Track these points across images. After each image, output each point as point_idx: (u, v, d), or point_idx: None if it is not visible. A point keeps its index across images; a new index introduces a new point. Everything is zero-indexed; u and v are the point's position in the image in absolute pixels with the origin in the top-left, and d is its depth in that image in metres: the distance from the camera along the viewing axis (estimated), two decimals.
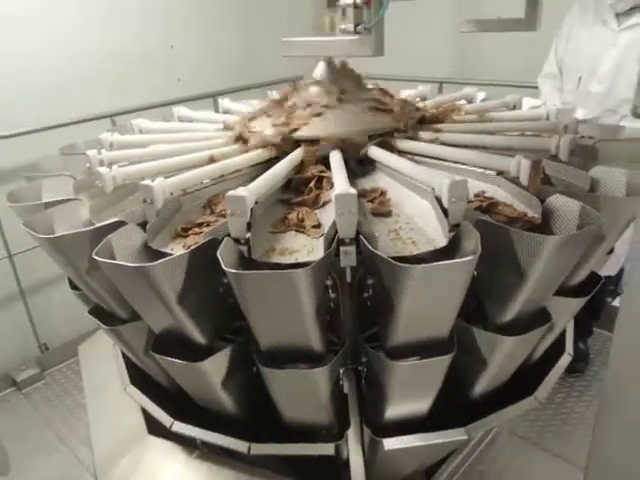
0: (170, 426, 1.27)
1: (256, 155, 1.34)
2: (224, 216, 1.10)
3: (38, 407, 2.58)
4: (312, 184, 1.23)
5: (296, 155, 1.31)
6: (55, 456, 2.26)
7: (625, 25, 2.12)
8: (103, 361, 1.69)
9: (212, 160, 1.33)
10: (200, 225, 1.13)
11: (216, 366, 1.11)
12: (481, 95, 1.91)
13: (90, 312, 1.34)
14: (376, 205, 1.17)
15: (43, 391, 2.69)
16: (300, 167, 1.31)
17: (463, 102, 1.86)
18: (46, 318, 2.79)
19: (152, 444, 1.43)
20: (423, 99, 1.87)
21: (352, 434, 1.23)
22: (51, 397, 2.64)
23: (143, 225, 1.13)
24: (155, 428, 1.42)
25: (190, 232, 1.11)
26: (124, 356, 1.51)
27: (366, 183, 1.29)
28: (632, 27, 2.11)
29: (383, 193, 1.21)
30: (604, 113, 2.19)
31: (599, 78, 2.20)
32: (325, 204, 1.20)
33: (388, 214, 1.15)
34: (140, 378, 1.44)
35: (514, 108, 1.75)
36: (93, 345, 1.92)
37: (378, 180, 1.30)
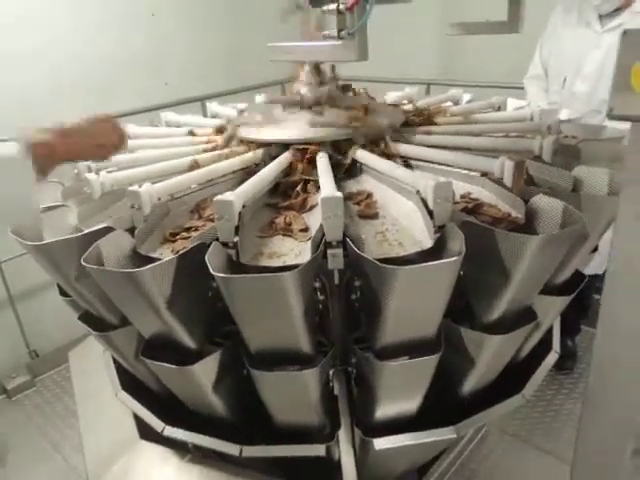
0: (162, 430, 1.28)
1: (243, 159, 1.35)
2: (212, 220, 1.10)
3: (29, 414, 2.56)
4: (299, 188, 1.24)
5: (283, 159, 1.32)
6: (47, 463, 2.25)
7: (608, 27, 2.15)
8: (94, 367, 1.69)
9: (197, 165, 1.33)
10: (188, 230, 1.14)
11: (206, 370, 1.11)
12: (467, 97, 1.93)
13: (80, 318, 1.34)
14: (363, 208, 1.18)
15: (34, 398, 2.67)
16: (288, 170, 1.32)
17: (449, 104, 1.88)
18: (36, 325, 2.77)
19: (144, 449, 1.43)
20: (410, 101, 1.88)
21: (343, 435, 1.24)
22: (42, 404, 2.62)
23: (131, 231, 1.13)
24: (147, 433, 1.42)
25: (178, 237, 1.12)
26: (115, 361, 1.51)
27: (352, 186, 1.30)
28: (615, 29, 2.13)
29: (369, 195, 1.23)
30: (589, 113, 2.22)
31: (583, 79, 2.23)
32: (312, 208, 1.21)
33: (375, 216, 1.16)
34: (131, 383, 1.44)
35: (499, 109, 1.78)
36: (83, 351, 1.92)
37: (364, 182, 1.32)
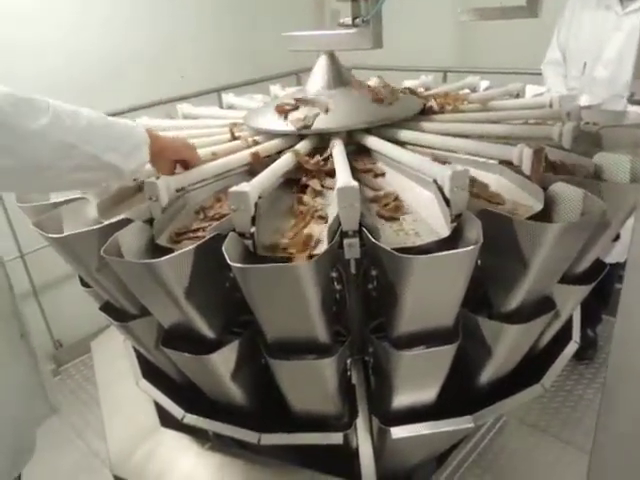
0: (182, 418, 1.30)
1: (261, 149, 1.35)
2: (217, 219, 1.11)
3: None
4: (308, 202, 1.15)
5: (300, 148, 1.32)
6: (71, 449, 2.31)
7: (630, 9, 2.10)
8: (116, 356, 1.72)
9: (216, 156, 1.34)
10: (195, 231, 1.13)
11: (224, 359, 1.13)
12: (484, 84, 1.91)
13: (101, 309, 1.36)
14: (390, 210, 1.12)
15: (58, 386, 2.74)
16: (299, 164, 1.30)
17: (466, 91, 1.86)
18: (59, 315, 2.84)
19: (165, 436, 1.46)
20: (426, 89, 1.86)
21: (361, 423, 1.25)
22: (66, 392, 2.69)
23: (150, 222, 1.15)
24: (168, 420, 1.44)
25: (184, 237, 1.11)
26: (136, 351, 1.53)
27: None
28: (636, 11, 2.08)
29: (397, 198, 1.17)
30: (611, 98, 2.17)
31: (604, 63, 2.18)
32: (318, 244, 1.05)
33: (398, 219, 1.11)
34: (152, 372, 1.46)
35: (517, 96, 1.75)
36: (106, 340, 1.95)
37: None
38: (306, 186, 1.23)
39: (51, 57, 2.55)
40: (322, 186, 1.22)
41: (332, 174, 1.22)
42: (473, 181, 1.15)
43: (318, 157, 1.29)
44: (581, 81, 2.28)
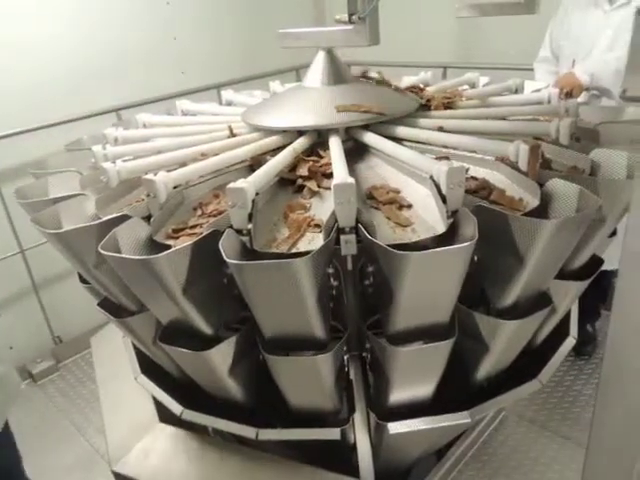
0: (180, 414, 1.31)
1: (258, 146, 1.35)
2: (215, 216, 1.11)
3: (54, 398, 2.64)
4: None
5: (298, 145, 1.32)
6: (71, 445, 2.32)
7: (617, 4, 2.09)
8: (115, 352, 1.73)
9: (215, 153, 1.34)
10: (192, 227, 1.13)
11: (222, 355, 1.13)
12: (484, 80, 1.90)
13: (99, 305, 1.37)
14: None
15: (58, 382, 2.75)
16: (297, 162, 1.30)
17: (466, 87, 1.85)
18: (59, 311, 2.85)
19: (164, 431, 1.47)
20: (425, 85, 1.86)
21: (358, 419, 1.26)
22: (66, 388, 2.70)
23: (148, 218, 1.15)
24: (166, 416, 1.45)
25: (181, 233, 1.12)
26: (135, 347, 1.54)
27: (364, 170, 1.30)
28: (623, 6, 2.08)
29: None
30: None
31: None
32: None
33: None
34: (150, 368, 1.47)
35: (516, 92, 1.74)
36: (105, 336, 1.96)
37: (376, 167, 1.31)
38: (302, 187, 1.23)
39: (48, 53, 2.54)
40: (319, 186, 1.22)
41: (329, 176, 1.22)
42: (491, 187, 1.15)
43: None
44: None
